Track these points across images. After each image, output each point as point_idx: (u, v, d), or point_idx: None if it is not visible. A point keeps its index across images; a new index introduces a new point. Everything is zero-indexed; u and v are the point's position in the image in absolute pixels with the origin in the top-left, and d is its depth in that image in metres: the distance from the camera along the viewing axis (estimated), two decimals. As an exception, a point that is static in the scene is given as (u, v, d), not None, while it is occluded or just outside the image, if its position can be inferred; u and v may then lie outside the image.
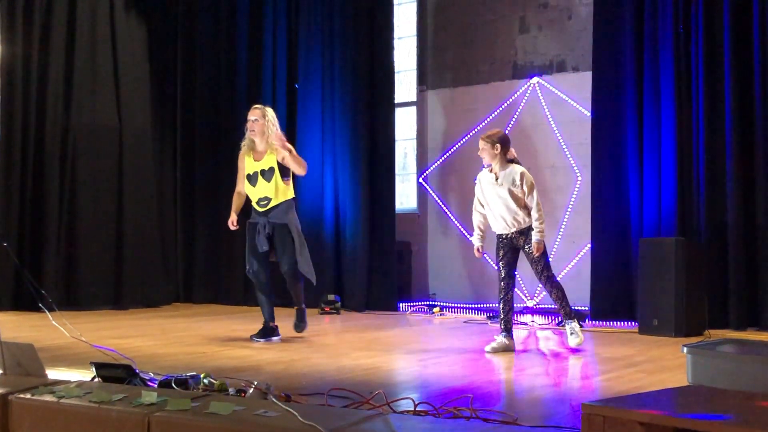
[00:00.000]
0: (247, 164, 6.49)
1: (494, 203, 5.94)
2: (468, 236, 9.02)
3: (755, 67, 7.25)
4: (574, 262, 8.63)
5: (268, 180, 6.38)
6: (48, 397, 3.50)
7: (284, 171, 6.42)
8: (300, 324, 6.60)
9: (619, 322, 7.65)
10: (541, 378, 4.93)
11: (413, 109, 10.08)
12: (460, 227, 9.44)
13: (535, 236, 5.83)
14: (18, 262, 8.34)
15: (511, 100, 9.23)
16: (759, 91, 7.24)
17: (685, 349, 4.04)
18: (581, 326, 6.15)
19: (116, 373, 3.97)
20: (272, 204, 6.39)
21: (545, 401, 4.13)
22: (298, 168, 6.40)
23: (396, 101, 9.55)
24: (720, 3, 7.40)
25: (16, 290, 8.67)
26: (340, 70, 9.54)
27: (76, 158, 9.18)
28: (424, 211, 9.90)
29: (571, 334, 5.98)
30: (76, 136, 9.18)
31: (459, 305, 9.03)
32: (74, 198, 9.14)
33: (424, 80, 10.00)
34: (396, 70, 9.55)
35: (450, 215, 9.61)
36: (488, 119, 9.28)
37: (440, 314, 8.79)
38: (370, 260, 9.23)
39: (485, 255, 6.47)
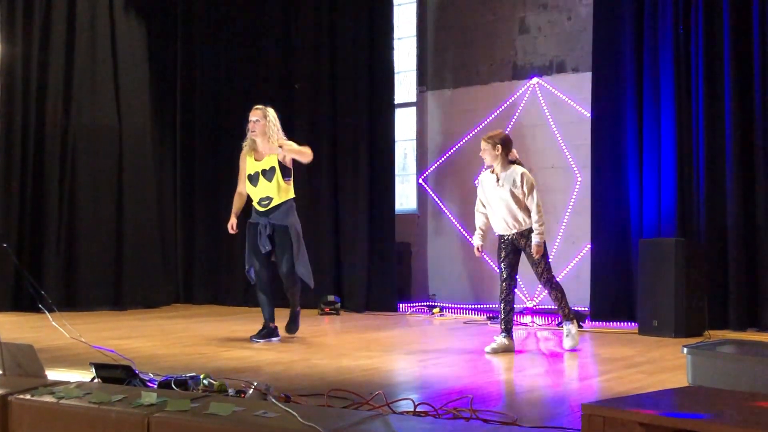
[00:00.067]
0: (249, 164, 6.49)
1: (496, 205, 5.94)
2: (468, 237, 9.03)
3: (755, 67, 7.25)
4: (573, 263, 8.63)
5: (270, 180, 6.39)
6: (48, 398, 3.50)
7: (285, 171, 6.43)
8: (292, 326, 6.60)
9: (618, 323, 7.65)
10: (541, 379, 4.93)
11: (413, 110, 10.08)
12: (459, 228, 9.44)
13: (534, 238, 5.83)
14: (18, 262, 8.34)
15: (510, 100, 9.23)
16: (759, 91, 7.24)
17: (685, 349, 4.04)
18: (581, 327, 6.16)
19: (116, 373, 3.97)
20: (273, 204, 6.40)
21: (545, 402, 4.14)
22: (301, 157, 6.42)
23: (396, 102, 9.55)
24: (720, 3, 7.40)
25: (16, 291, 8.68)
26: (340, 70, 9.54)
27: (76, 158, 9.18)
28: (424, 212, 9.90)
29: (567, 336, 6.01)
30: (76, 136, 9.18)
31: (459, 306, 9.03)
32: (74, 198, 9.14)
33: (423, 81, 10.00)
34: (396, 70, 9.55)
35: (450, 216, 9.61)
36: (488, 120, 9.28)
37: (440, 315, 8.78)
38: (369, 261, 9.22)
39: (484, 255, 6.47)
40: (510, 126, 9.01)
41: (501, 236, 6.00)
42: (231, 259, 9.66)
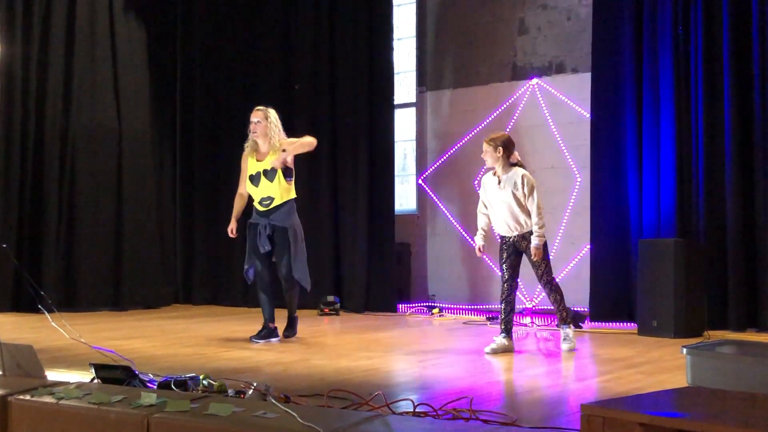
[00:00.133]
0: (250, 165, 6.50)
1: (498, 206, 5.94)
2: (467, 237, 9.03)
3: (755, 67, 7.25)
4: (573, 264, 8.63)
5: (271, 180, 6.39)
6: (47, 399, 3.50)
7: (287, 171, 6.43)
8: (290, 331, 6.61)
9: (618, 323, 7.64)
10: (541, 379, 4.93)
11: (413, 110, 10.09)
12: (459, 228, 9.44)
13: (534, 241, 5.82)
14: (17, 263, 8.34)
15: (510, 101, 9.23)
16: (758, 91, 7.23)
17: (685, 350, 4.04)
18: (580, 327, 6.15)
19: (115, 374, 3.97)
20: (275, 204, 6.40)
21: (545, 402, 4.13)
22: (306, 149, 6.47)
23: (395, 102, 9.55)
24: (719, 4, 7.40)
25: (16, 291, 8.67)
26: (340, 70, 9.54)
27: (75, 158, 9.18)
28: (424, 213, 9.90)
29: (564, 339, 6.01)
30: (75, 137, 9.18)
31: (458, 306, 9.03)
32: (74, 199, 9.14)
33: (423, 81, 10.00)
34: (395, 71, 9.56)
35: (449, 216, 9.61)
36: (487, 120, 9.28)
37: (439, 315, 8.78)
38: (369, 261, 9.22)
39: (485, 255, 6.47)
40: (509, 126, 9.02)
41: (503, 238, 6.00)
42: (230, 260, 9.66)
